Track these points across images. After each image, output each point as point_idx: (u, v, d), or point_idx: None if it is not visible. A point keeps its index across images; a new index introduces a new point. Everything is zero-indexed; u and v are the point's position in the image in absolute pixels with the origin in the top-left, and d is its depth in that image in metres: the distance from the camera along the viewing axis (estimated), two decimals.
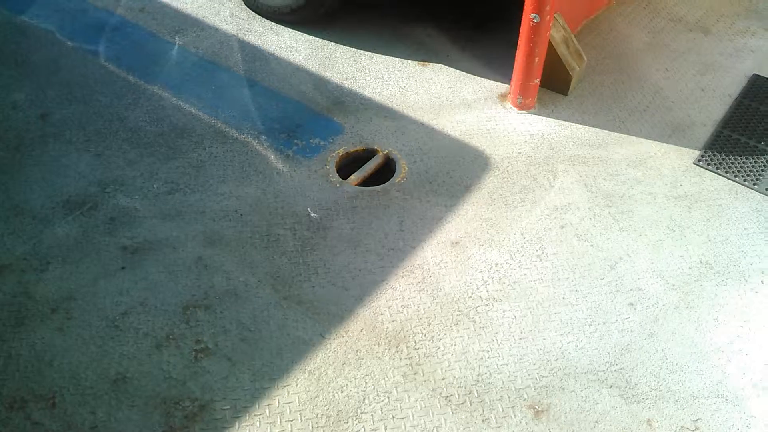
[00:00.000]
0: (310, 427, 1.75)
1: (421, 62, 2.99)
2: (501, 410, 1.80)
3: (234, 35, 3.08)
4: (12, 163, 2.43)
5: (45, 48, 2.96)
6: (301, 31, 3.12)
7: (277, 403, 1.80)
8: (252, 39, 3.06)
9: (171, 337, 1.93)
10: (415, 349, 1.93)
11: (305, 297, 2.05)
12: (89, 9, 3.20)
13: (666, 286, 2.11)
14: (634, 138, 2.64)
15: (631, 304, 2.06)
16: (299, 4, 3.02)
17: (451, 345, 1.94)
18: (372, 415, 1.78)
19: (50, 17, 3.13)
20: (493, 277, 2.12)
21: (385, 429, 1.75)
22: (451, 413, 1.79)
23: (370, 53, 3.03)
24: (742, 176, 2.48)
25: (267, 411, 1.78)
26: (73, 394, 1.79)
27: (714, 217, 2.33)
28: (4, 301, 2.00)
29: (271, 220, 2.27)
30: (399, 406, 1.80)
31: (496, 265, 2.16)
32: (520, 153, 2.55)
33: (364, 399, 1.81)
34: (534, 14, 2.43)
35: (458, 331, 1.98)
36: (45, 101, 2.69)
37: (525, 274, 2.13)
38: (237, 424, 1.75)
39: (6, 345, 1.90)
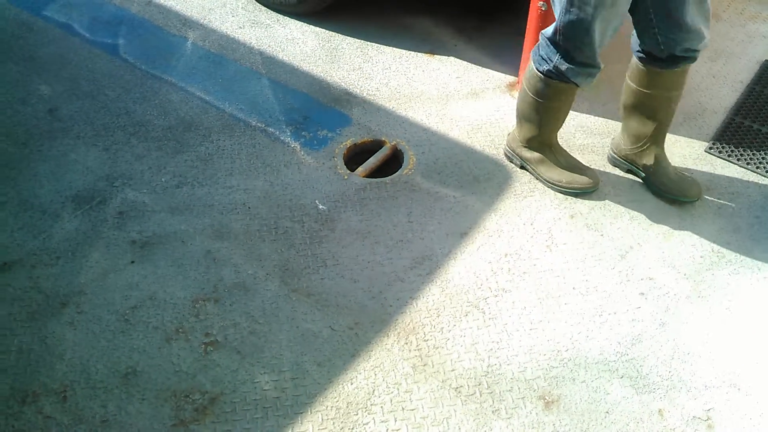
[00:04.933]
0: (320, 419, 1.75)
1: (428, 53, 2.98)
2: (511, 401, 1.80)
3: (240, 27, 3.07)
4: (21, 158, 2.44)
5: (52, 43, 2.96)
6: (307, 23, 3.11)
7: (286, 395, 1.80)
8: (258, 31, 3.06)
9: (181, 330, 1.94)
10: (425, 340, 1.93)
11: (314, 289, 2.04)
12: (96, 3, 3.20)
13: (677, 276, 2.09)
14: None
15: (642, 293, 2.05)
16: None
17: (461, 336, 1.94)
18: (382, 407, 1.78)
19: (57, 12, 3.13)
20: (502, 268, 2.11)
21: (395, 420, 1.75)
22: (461, 404, 1.79)
23: (376, 44, 3.01)
24: (755, 164, 2.45)
25: (277, 403, 1.78)
26: (84, 388, 1.80)
27: (726, 205, 2.31)
28: (15, 296, 2.01)
29: (279, 213, 2.27)
30: (409, 398, 1.80)
31: (506, 255, 2.15)
32: None
33: (373, 391, 1.81)
34: (542, 2, 2.41)
35: (468, 322, 1.97)
36: (53, 96, 2.70)
37: (534, 265, 2.12)
38: (247, 416, 1.75)
39: (17, 339, 1.91)
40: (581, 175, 2.32)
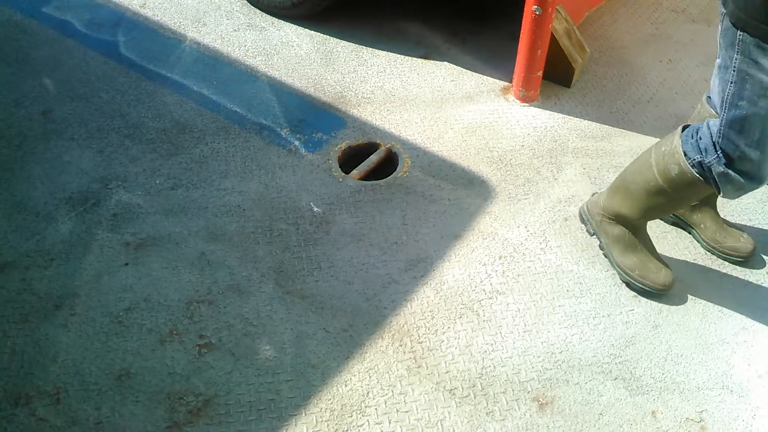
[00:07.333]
0: (314, 421, 1.75)
1: (423, 57, 2.98)
2: (505, 403, 1.80)
3: (236, 30, 3.08)
4: (14, 160, 2.43)
5: (46, 45, 2.96)
6: (302, 26, 3.12)
7: (281, 397, 1.80)
8: (254, 34, 3.06)
9: (174, 332, 1.93)
10: (419, 342, 1.93)
11: (308, 292, 2.04)
12: (90, 6, 3.20)
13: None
14: (637, 130, 2.63)
15: (636, 295, 2.05)
16: None
17: (455, 338, 1.94)
18: (376, 409, 1.78)
19: (51, 13, 3.13)
20: (496, 270, 2.12)
21: (389, 422, 1.75)
22: (455, 406, 1.79)
23: (371, 48, 3.02)
24: None
25: (271, 405, 1.78)
26: (77, 390, 1.80)
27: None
28: (8, 298, 2.00)
29: (273, 215, 2.27)
30: (403, 400, 1.80)
31: (500, 258, 2.15)
32: (523, 146, 2.55)
33: (368, 393, 1.81)
34: (536, 6, 2.42)
35: (462, 324, 1.97)
36: (47, 98, 2.69)
37: (529, 267, 2.13)
38: (241, 418, 1.75)
39: (10, 341, 1.90)
40: (657, 272, 1.98)
